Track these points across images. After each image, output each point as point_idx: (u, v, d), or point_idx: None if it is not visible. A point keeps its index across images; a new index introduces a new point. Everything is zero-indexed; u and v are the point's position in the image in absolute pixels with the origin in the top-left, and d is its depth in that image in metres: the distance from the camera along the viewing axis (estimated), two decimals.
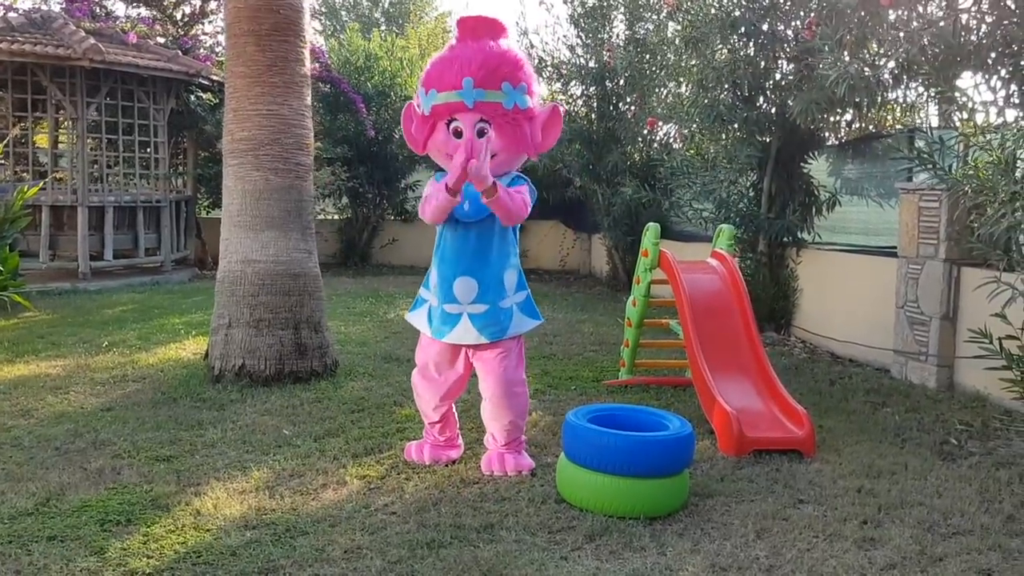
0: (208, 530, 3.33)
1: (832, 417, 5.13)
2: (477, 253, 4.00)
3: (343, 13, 30.50)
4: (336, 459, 4.18)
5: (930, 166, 4.97)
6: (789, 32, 7.48)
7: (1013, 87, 4.83)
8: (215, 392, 5.35)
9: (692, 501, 3.74)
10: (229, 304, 5.58)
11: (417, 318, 4.21)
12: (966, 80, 5.19)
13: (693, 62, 8.30)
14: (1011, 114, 4.96)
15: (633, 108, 10.83)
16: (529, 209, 4.00)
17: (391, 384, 5.68)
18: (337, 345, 6.77)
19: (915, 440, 4.70)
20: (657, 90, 10.32)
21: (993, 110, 4.97)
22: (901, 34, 5.15)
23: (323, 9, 30.98)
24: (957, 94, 5.17)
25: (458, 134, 3.90)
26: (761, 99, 7.84)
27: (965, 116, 5.21)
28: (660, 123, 10.17)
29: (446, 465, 4.16)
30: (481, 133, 3.88)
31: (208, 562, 3.05)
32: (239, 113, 5.57)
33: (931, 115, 7.02)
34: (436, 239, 4.12)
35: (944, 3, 4.95)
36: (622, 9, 11.12)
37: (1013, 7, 4.71)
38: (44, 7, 11.32)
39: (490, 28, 4.01)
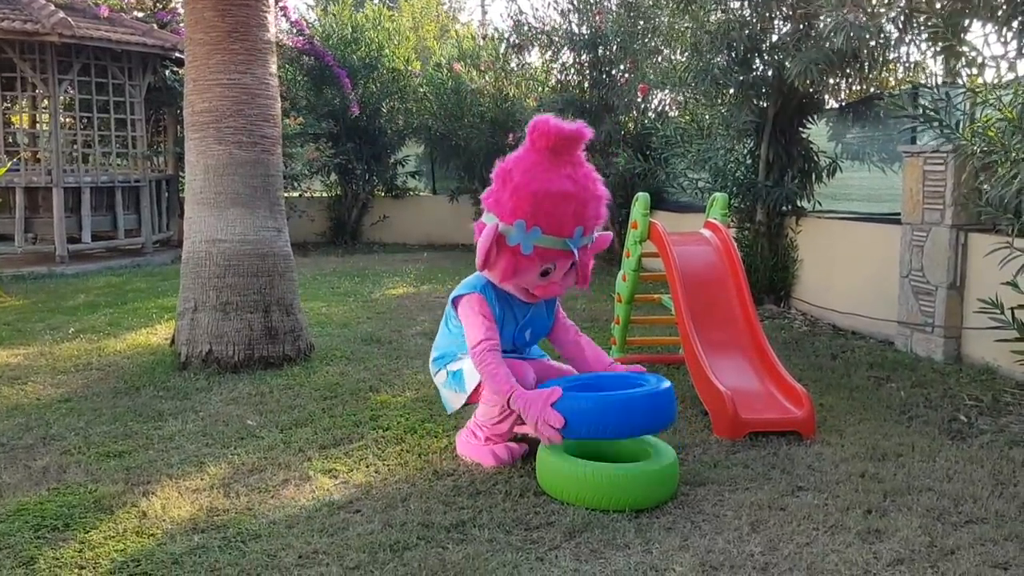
0: (152, 535, 3.05)
1: (833, 394, 4.85)
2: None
3: None
4: (301, 451, 3.89)
5: (936, 124, 4.66)
6: None
7: None
8: (180, 380, 5.06)
9: (682, 490, 3.46)
10: (194, 287, 5.28)
11: (469, 379, 3.84)
12: (975, 33, 4.85)
13: (686, 25, 7.95)
14: (1023, 68, 4.63)
15: (626, 75, 10.47)
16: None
17: (368, 368, 5.39)
18: (316, 327, 6.50)
19: (922, 418, 4.41)
20: (650, 56, 9.95)
21: (1004, 64, 4.64)
22: None
23: None
24: (965, 48, 4.84)
25: (545, 273, 3.65)
26: (757, 62, 7.49)
27: (974, 71, 4.88)
28: (653, 90, 9.80)
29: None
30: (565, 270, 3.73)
31: (147, 572, 2.77)
32: (199, 83, 5.24)
33: (936, 73, 6.71)
34: (455, 330, 3.91)
35: None
36: None
37: None
38: None
39: (583, 140, 3.60)
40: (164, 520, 3.16)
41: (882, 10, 4.86)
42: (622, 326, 5.64)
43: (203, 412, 4.48)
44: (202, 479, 3.57)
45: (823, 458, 3.83)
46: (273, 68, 5.49)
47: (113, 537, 3.03)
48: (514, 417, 3.73)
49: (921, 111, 4.63)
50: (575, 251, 3.61)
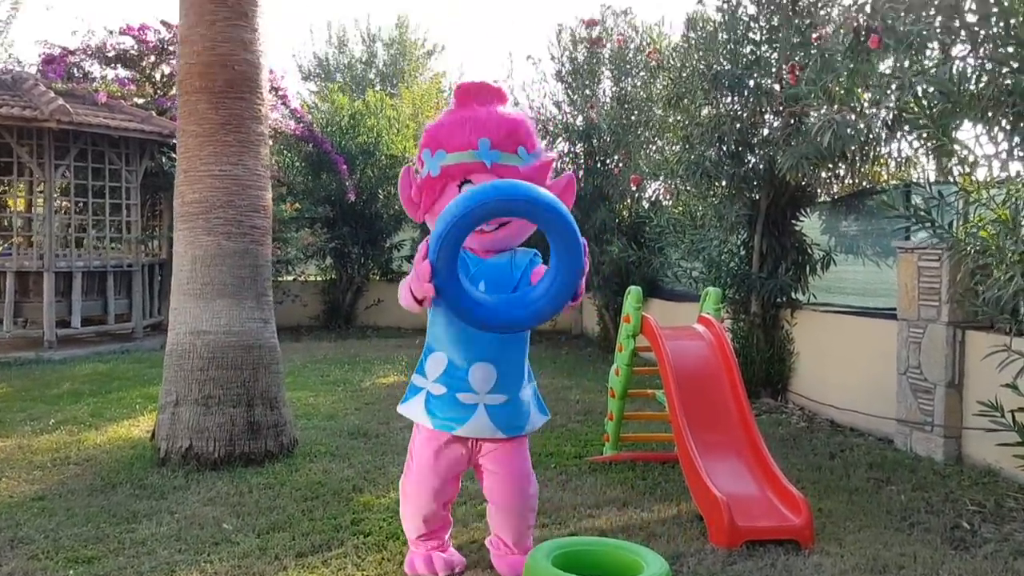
0: None
1: (833, 497, 4.70)
2: (495, 336, 3.41)
3: (338, 75, 30.54)
4: (278, 559, 3.73)
5: (928, 224, 4.62)
6: (776, 86, 7.22)
7: (1016, 139, 4.50)
8: (158, 477, 4.90)
9: None
10: (176, 379, 5.16)
11: (412, 409, 3.56)
12: (966, 132, 4.86)
13: (677, 118, 8.04)
14: (1014, 168, 4.62)
15: (619, 165, 10.56)
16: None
17: (353, 465, 5.23)
18: (302, 419, 6.36)
19: (923, 524, 4.26)
20: (643, 147, 10.05)
21: (996, 164, 4.63)
22: (893, 85, 4.84)
23: (318, 71, 31.09)
24: (956, 147, 4.85)
25: None
26: (749, 155, 7.54)
27: (965, 170, 4.88)
28: (645, 180, 9.87)
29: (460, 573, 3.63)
30: None
31: None
32: (190, 174, 5.23)
33: (928, 169, 6.74)
34: (430, 315, 3.53)
35: (939, 50, 4.64)
36: (608, 65, 10.91)
37: (1012, 55, 4.40)
38: (18, 68, 11.06)
39: (492, 95, 3.64)
40: None
41: (872, 110, 4.88)
42: (615, 422, 5.52)
43: (179, 513, 4.32)
44: None
45: (822, 570, 3.68)
46: (265, 159, 5.49)
47: None
48: (417, 506, 3.56)
49: (913, 211, 4.60)
50: (487, 162, 3.42)
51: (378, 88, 23.78)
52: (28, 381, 8.23)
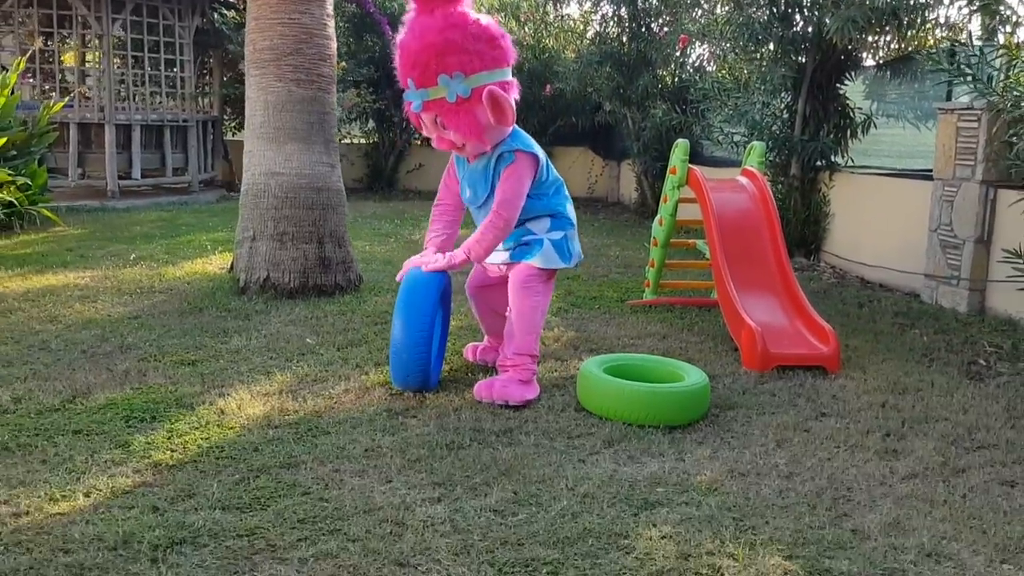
0: (231, 428, 3.37)
1: (859, 337, 5.08)
2: (481, 205, 4.04)
3: None
4: (359, 367, 4.20)
5: (969, 79, 4.82)
6: None
7: None
8: (240, 303, 5.38)
9: (712, 412, 3.73)
10: (253, 217, 5.57)
11: None
12: None
13: None
14: None
15: (665, 29, 10.56)
16: (515, 213, 3.85)
17: None
18: (362, 263, 6.77)
19: (942, 360, 4.64)
20: (690, 8, 10.03)
21: None
22: None
23: None
24: (1002, 7, 4.98)
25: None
26: (797, 17, 7.61)
27: (1008, 30, 5.03)
28: (692, 43, 9.89)
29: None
30: (444, 125, 3.77)
31: (231, 456, 3.09)
32: (260, 22, 5.48)
33: (972, 32, 6.81)
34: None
35: None
36: None
37: None
38: None
39: None
40: (241, 416, 3.48)
41: None
42: (656, 269, 5.88)
43: (264, 331, 4.79)
44: (271, 385, 3.88)
45: (846, 390, 4.08)
46: (329, 9, 5.71)
47: (197, 428, 3.35)
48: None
49: (956, 66, 4.79)
50: (416, 107, 3.70)
51: None
52: (99, 225, 8.73)
